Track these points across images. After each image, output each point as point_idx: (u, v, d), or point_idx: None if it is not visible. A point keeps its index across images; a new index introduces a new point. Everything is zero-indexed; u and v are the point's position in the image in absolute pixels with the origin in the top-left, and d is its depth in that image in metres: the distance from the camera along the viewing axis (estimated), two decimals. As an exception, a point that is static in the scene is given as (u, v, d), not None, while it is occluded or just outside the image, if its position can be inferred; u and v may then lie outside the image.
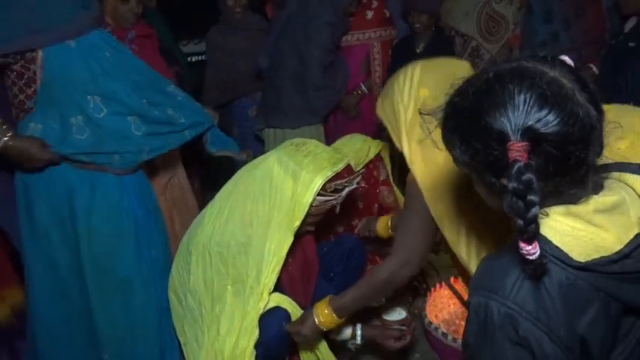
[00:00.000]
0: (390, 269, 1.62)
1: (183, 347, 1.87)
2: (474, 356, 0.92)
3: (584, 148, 0.82)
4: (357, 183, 1.78)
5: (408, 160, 1.57)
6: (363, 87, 3.06)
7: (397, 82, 1.62)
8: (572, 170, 0.83)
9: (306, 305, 1.91)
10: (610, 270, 0.83)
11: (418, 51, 2.94)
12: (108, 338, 1.86)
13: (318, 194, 1.68)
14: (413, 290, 2.44)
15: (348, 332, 1.88)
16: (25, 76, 1.66)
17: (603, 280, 0.84)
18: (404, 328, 1.88)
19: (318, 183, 1.66)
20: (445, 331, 2.01)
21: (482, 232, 1.55)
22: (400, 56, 2.93)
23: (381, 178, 2.46)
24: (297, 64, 2.83)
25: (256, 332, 1.68)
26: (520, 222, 0.77)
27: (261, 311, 1.70)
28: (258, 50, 3.00)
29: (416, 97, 1.56)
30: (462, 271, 1.89)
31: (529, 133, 0.79)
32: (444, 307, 2.23)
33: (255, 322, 1.69)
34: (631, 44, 2.45)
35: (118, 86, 1.74)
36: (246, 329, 1.68)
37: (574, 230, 0.84)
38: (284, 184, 1.67)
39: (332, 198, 1.73)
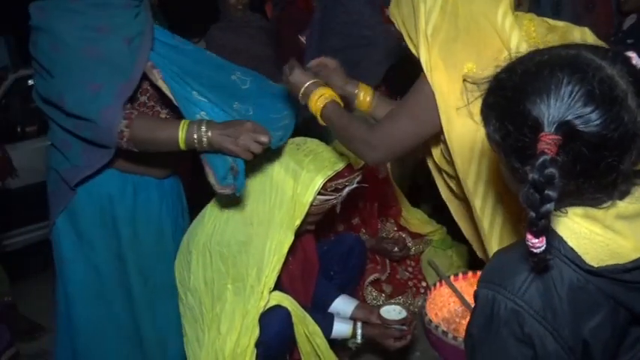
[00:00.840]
0: (360, 135, 1.45)
1: (184, 346, 1.87)
2: (475, 347, 0.91)
3: (619, 156, 0.79)
4: (358, 182, 1.78)
5: (425, 67, 1.35)
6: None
7: None
8: (601, 175, 0.80)
9: (307, 304, 1.91)
10: (622, 278, 0.82)
11: None
12: (148, 340, 1.83)
13: (319, 193, 1.68)
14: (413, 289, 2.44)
15: (348, 331, 1.88)
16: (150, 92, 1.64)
17: (614, 287, 0.83)
18: (404, 327, 1.88)
19: (318, 182, 1.66)
20: (445, 329, 2.00)
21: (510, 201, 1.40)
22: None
23: (381, 177, 2.47)
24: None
25: (257, 331, 1.68)
26: (532, 214, 0.75)
27: (261, 310, 1.70)
28: (258, 48, 2.99)
29: None
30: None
31: (565, 128, 0.76)
32: (444, 305, 2.22)
33: (256, 321, 1.69)
34: (629, 41, 2.45)
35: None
36: (247, 328, 1.68)
37: (591, 234, 0.82)
38: (284, 184, 1.67)
39: (332, 197, 1.73)
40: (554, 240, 0.82)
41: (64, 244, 1.71)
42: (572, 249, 0.82)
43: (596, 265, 0.81)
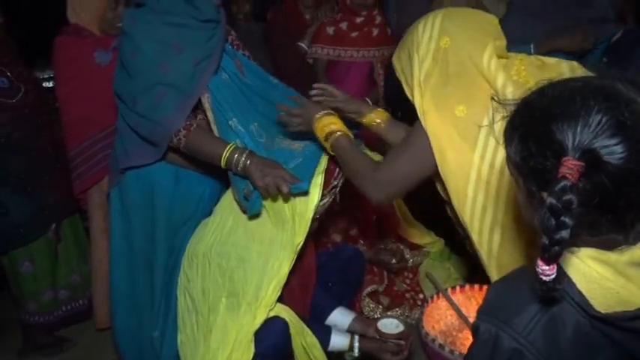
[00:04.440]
0: (365, 172, 1.54)
1: (179, 345, 1.86)
2: None
3: None
4: None
5: (418, 111, 1.46)
6: (369, 101, 3.03)
7: (416, 31, 1.50)
8: (619, 211, 0.78)
9: (305, 314, 1.90)
10: (629, 325, 0.80)
11: None
12: (172, 319, 1.93)
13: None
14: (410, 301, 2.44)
15: (345, 344, 1.88)
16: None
17: (620, 334, 0.81)
18: (401, 342, 1.87)
19: (316, 195, 1.66)
20: (442, 342, 2.00)
21: (512, 225, 1.45)
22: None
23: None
24: None
25: (251, 349, 1.67)
26: (545, 240, 0.73)
27: (257, 327, 1.69)
28: (259, 56, 3.00)
29: (435, 48, 1.44)
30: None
31: (589, 155, 0.74)
32: (441, 318, 2.22)
33: (250, 337, 1.68)
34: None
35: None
36: (240, 343, 1.67)
37: (602, 279, 0.80)
38: (281, 203, 1.67)
39: (331, 196, 1.75)
40: (563, 281, 0.80)
41: (113, 214, 1.94)
42: (580, 292, 0.80)
43: (603, 312, 0.79)
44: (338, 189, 1.77)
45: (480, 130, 1.37)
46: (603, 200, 0.76)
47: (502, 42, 1.43)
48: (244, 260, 1.69)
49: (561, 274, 0.78)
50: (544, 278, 0.75)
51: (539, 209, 0.75)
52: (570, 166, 0.74)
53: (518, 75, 1.37)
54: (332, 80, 3.02)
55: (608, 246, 0.82)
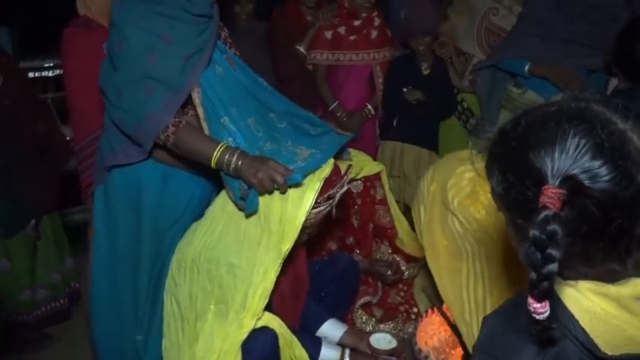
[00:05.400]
0: None
1: (163, 351, 1.80)
2: None
3: (631, 218, 0.72)
4: (349, 183, 1.72)
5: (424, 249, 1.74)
6: (370, 107, 3.00)
7: (420, 186, 1.80)
8: (610, 238, 0.73)
9: (295, 325, 1.85)
10: None
11: (425, 73, 2.93)
12: (157, 323, 1.88)
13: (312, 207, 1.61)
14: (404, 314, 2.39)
15: (336, 358, 1.83)
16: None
17: None
18: (393, 359, 1.83)
19: (309, 200, 1.58)
20: (434, 359, 1.96)
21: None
22: (405, 75, 2.92)
23: (378, 198, 2.42)
24: None
25: (238, 357, 1.61)
26: (533, 275, 0.69)
27: (244, 336, 1.62)
28: (261, 56, 2.96)
29: (428, 194, 1.72)
30: None
31: (570, 182, 0.71)
32: (435, 334, 2.17)
33: (237, 347, 1.61)
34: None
35: None
36: (226, 353, 1.61)
37: (606, 315, 0.74)
38: (271, 206, 1.60)
39: (326, 206, 1.67)
40: (564, 317, 0.74)
41: (97, 214, 1.86)
42: (583, 331, 0.74)
43: (609, 353, 0.73)
44: (335, 202, 1.69)
45: (459, 244, 1.61)
46: (592, 228, 0.72)
47: (476, 164, 1.61)
48: (234, 266, 1.63)
49: (558, 311, 0.73)
50: (537, 317, 0.70)
51: (523, 243, 0.72)
52: (551, 195, 0.70)
53: (480, 186, 1.56)
54: (332, 86, 3.00)
55: (609, 278, 0.77)
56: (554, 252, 0.68)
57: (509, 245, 1.09)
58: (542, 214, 0.69)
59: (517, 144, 0.77)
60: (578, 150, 0.71)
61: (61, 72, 4.04)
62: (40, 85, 3.86)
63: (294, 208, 1.58)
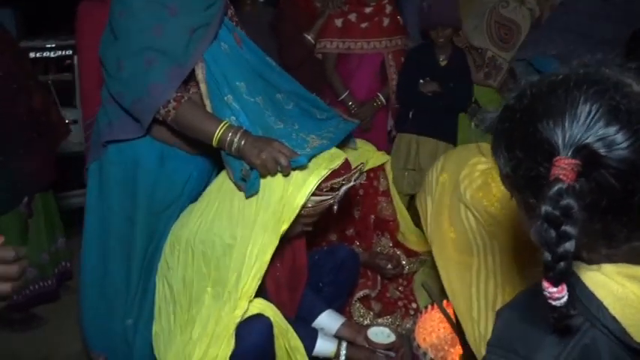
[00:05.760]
0: None
1: (153, 336, 1.74)
2: None
3: None
4: (356, 180, 1.65)
5: (430, 242, 1.70)
6: (381, 97, 2.94)
7: (427, 176, 1.74)
8: (634, 211, 0.66)
9: (291, 315, 1.79)
10: None
11: (442, 64, 2.86)
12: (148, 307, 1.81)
13: (313, 194, 1.55)
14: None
15: (332, 350, 1.77)
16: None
17: None
18: (391, 354, 1.77)
19: (312, 184, 1.53)
20: (433, 356, 1.91)
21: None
22: (422, 67, 2.86)
23: (381, 189, 2.37)
24: None
25: (231, 342, 1.55)
26: (547, 256, 0.63)
27: (238, 319, 1.56)
28: (264, 42, 2.90)
29: (437, 185, 1.66)
30: None
31: (584, 152, 0.64)
32: (434, 330, 2.12)
33: (231, 331, 1.56)
34: None
35: None
36: (218, 337, 1.55)
37: (638, 300, 0.67)
38: (274, 183, 1.54)
39: (328, 197, 1.60)
40: (591, 305, 0.68)
41: (89, 190, 1.80)
42: (614, 319, 0.68)
43: None
44: (339, 196, 1.63)
45: (469, 238, 1.55)
46: (612, 202, 0.66)
47: (489, 157, 1.54)
48: (230, 247, 1.57)
49: (582, 298, 0.67)
50: (553, 303, 0.63)
51: (534, 221, 0.65)
52: (563, 166, 0.64)
53: (492, 178, 1.50)
54: (342, 75, 2.94)
55: (636, 259, 0.70)
56: (569, 228, 0.62)
57: (524, 240, 1.03)
58: (555, 187, 0.63)
59: (523, 117, 0.71)
60: (591, 116, 0.65)
61: (63, 53, 4.03)
62: (42, 66, 3.84)
63: (295, 190, 1.52)
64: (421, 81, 2.82)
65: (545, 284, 0.63)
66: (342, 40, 2.89)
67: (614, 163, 0.64)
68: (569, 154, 0.64)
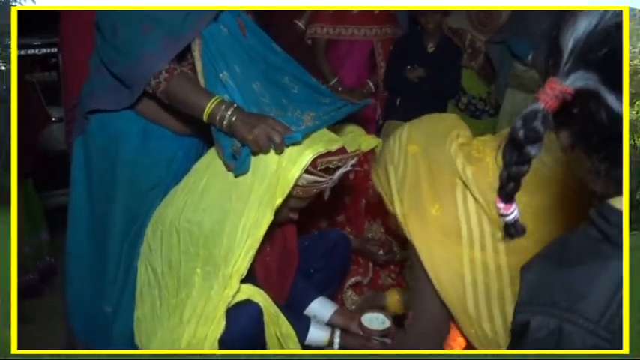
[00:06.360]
0: (410, 341, 1.53)
1: (135, 322, 1.66)
2: None
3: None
4: (352, 165, 1.60)
5: (400, 220, 1.48)
6: (370, 83, 2.92)
7: (388, 146, 1.59)
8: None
9: (281, 301, 1.73)
10: None
11: (430, 50, 2.87)
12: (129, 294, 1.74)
13: (307, 172, 1.49)
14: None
15: (325, 338, 1.72)
16: None
17: None
18: (387, 340, 1.72)
19: (307, 157, 1.47)
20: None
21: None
22: (409, 53, 2.86)
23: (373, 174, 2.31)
24: None
25: (221, 324, 1.48)
26: (504, 173, 0.69)
27: (228, 299, 1.49)
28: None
29: (406, 156, 1.51)
30: None
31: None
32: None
33: (221, 312, 1.48)
34: None
35: None
36: (207, 317, 1.48)
37: None
38: (269, 156, 1.49)
39: (322, 179, 1.55)
40: None
41: (75, 166, 1.76)
42: None
43: None
44: (332, 181, 1.57)
45: (461, 222, 1.39)
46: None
47: (464, 131, 1.51)
48: (220, 222, 1.50)
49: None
50: (505, 219, 0.72)
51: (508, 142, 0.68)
52: (552, 87, 0.65)
53: (477, 152, 1.44)
54: (332, 61, 2.91)
55: None
56: (531, 150, 0.66)
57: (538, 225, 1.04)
58: (531, 109, 0.65)
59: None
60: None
61: (49, 51, 3.96)
62: (28, 64, 3.78)
63: (290, 163, 1.47)
64: (408, 67, 2.81)
65: (497, 201, 0.71)
66: (333, 26, 2.88)
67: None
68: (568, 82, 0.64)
